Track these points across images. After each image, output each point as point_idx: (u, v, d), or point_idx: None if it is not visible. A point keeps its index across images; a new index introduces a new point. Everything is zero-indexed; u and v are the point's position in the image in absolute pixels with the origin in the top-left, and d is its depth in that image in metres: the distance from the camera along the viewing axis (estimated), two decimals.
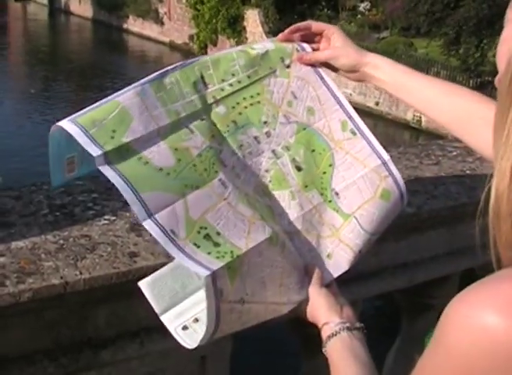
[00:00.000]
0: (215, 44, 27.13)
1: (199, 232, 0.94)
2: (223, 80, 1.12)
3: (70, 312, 1.21)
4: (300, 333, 1.79)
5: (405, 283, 1.82)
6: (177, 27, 30.63)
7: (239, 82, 1.14)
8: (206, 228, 0.95)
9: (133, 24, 33.48)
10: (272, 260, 1.02)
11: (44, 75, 24.87)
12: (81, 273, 1.14)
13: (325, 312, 1.06)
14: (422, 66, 18.78)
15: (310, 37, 1.25)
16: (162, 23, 31.71)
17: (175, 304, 1.10)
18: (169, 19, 31.22)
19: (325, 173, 1.16)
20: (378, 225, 1.17)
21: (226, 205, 0.99)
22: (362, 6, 26.08)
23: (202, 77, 1.10)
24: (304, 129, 1.17)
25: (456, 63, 19.80)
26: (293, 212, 1.12)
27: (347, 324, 1.03)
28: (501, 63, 0.83)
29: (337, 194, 1.16)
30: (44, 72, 25.19)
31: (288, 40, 1.23)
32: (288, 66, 1.20)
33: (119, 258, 1.20)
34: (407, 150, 2.02)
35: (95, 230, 1.30)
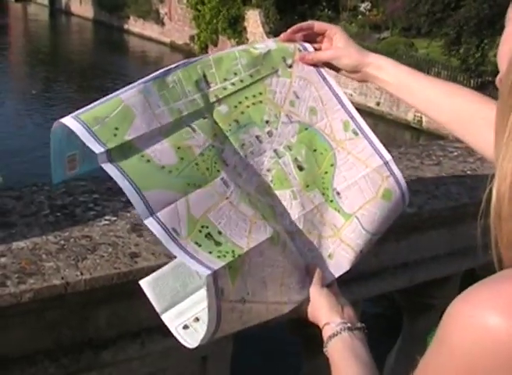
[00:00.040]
0: (215, 45, 27.14)
1: (200, 231, 0.94)
2: (225, 79, 1.12)
3: (71, 312, 1.21)
4: (301, 333, 1.80)
5: (406, 283, 1.82)
6: (178, 28, 30.64)
7: (241, 81, 1.14)
8: (208, 227, 0.95)
9: (134, 25, 33.49)
10: (273, 260, 1.02)
11: (44, 76, 24.88)
12: (82, 274, 1.14)
13: (326, 312, 1.06)
14: (423, 66, 18.77)
15: (312, 37, 1.25)
16: (163, 24, 31.72)
17: (176, 303, 1.10)
18: (170, 20, 31.23)
19: (326, 172, 1.16)
20: (379, 225, 1.17)
21: (228, 204, 0.99)
22: (363, 6, 26.08)
23: (204, 76, 1.10)
24: (306, 129, 1.17)
25: (456, 63, 19.80)
26: (294, 212, 1.12)
27: (348, 324, 1.03)
28: (502, 63, 0.83)
29: (338, 193, 1.16)
30: (45, 72, 25.19)
31: (290, 40, 1.23)
32: (290, 66, 1.20)
33: (120, 259, 1.20)
34: (407, 150, 2.02)
35: (96, 230, 1.30)
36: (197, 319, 1.08)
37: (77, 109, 0.96)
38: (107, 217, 1.35)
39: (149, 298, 1.09)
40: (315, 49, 1.24)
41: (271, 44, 1.22)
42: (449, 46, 19.83)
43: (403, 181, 1.19)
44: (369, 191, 1.16)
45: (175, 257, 1.02)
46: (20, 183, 1.48)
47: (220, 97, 1.10)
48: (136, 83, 1.01)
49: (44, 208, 1.36)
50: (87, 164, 1.03)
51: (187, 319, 1.08)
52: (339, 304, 1.07)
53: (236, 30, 26.59)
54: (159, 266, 1.14)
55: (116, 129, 0.94)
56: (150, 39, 31.96)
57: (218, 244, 0.94)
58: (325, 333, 1.04)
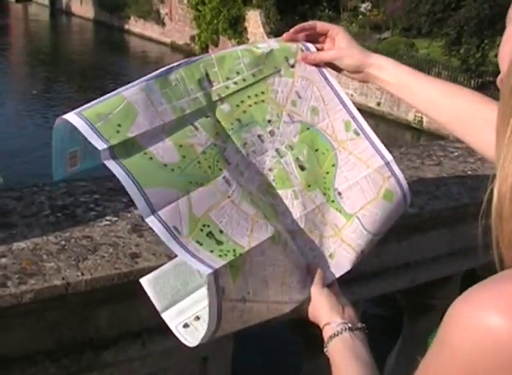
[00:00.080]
0: (216, 45, 27.14)
1: (202, 230, 0.94)
2: (228, 78, 1.12)
3: (72, 312, 1.21)
4: (302, 333, 1.80)
5: (407, 283, 1.82)
6: (178, 28, 30.65)
7: (243, 80, 1.14)
8: (209, 226, 0.95)
9: (135, 25, 33.51)
10: (274, 259, 1.02)
11: (45, 76, 24.89)
12: (83, 274, 1.14)
13: (326, 312, 1.06)
14: (423, 66, 18.77)
15: (314, 37, 1.25)
16: (164, 24, 31.73)
17: (176, 301, 1.10)
18: (171, 20, 31.24)
19: (328, 172, 1.17)
20: (380, 225, 1.17)
21: (230, 203, 0.99)
22: (363, 7, 26.07)
23: (207, 75, 1.10)
24: (308, 128, 1.17)
25: (457, 64, 19.80)
26: (295, 212, 1.12)
27: (349, 324, 1.03)
28: (503, 63, 0.83)
29: (340, 194, 1.16)
30: (46, 73, 25.20)
31: (292, 39, 1.23)
32: (292, 66, 1.20)
33: (121, 259, 1.20)
34: (408, 150, 2.02)
35: (97, 230, 1.30)
36: (197, 318, 1.08)
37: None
38: (108, 217, 1.35)
39: (149, 297, 1.09)
40: (317, 49, 1.24)
41: (273, 43, 1.22)
42: (450, 46, 19.82)
43: (404, 182, 1.19)
44: (370, 192, 1.17)
45: (176, 256, 1.02)
46: (21, 184, 1.48)
47: (222, 96, 1.10)
48: (138, 81, 1.01)
49: (44, 208, 1.36)
50: (88, 161, 1.03)
51: (188, 318, 1.08)
52: (339, 304, 1.07)
53: (237, 30, 26.59)
54: (160, 267, 1.14)
55: (119, 126, 0.93)
56: (150, 39, 31.98)
57: (219, 243, 0.94)
58: (326, 333, 1.04)
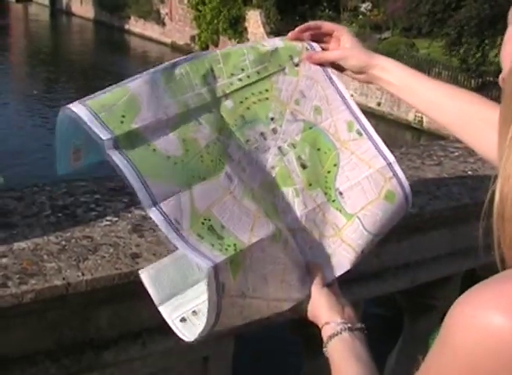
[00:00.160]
0: (216, 45, 27.13)
1: (203, 224, 0.94)
2: (232, 75, 1.12)
3: (72, 313, 1.21)
4: (302, 333, 1.80)
5: (407, 283, 1.82)
6: (179, 28, 30.65)
7: (248, 77, 1.14)
8: (210, 220, 0.95)
9: (135, 25, 33.51)
10: (274, 257, 1.02)
11: (45, 76, 24.89)
12: (83, 274, 1.14)
13: (326, 311, 1.06)
14: (424, 66, 18.77)
15: (319, 37, 1.25)
16: (164, 24, 31.73)
17: (174, 295, 1.10)
18: (171, 20, 31.24)
19: (329, 172, 1.17)
20: (381, 226, 1.17)
21: (232, 198, 0.99)
22: (363, 7, 26.07)
23: (212, 71, 1.10)
24: (311, 128, 1.17)
25: (457, 64, 19.79)
26: (296, 210, 1.12)
27: (349, 324, 1.03)
28: (505, 63, 0.84)
29: (341, 193, 1.16)
30: (46, 73, 25.20)
31: (298, 38, 1.23)
32: (297, 65, 1.20)
33: (121, 260, 1.20)
34: (409, 150, 2.02)
35: (97, 231, 1.30)
36: (195, 313, 1.07)
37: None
38: (108, 218, 1.35)
39: (147, 289, 1.09)
40: (322, 49, 1.24)
41: (278, 42, 1.22)
42: (450, 46, 19.81)
43: (406, 183, 1.19)
44: (372, 192, 1.17)
45: (176, 249, 1.02)
46: (21, 185, 1.48)
47: (227, 92, 1.11)
48: (143, 74, 1.01)
49: (45, 208, 1.36)
50: (92, 156, 1.03)
51: (185, 312, 1.08)
52: (339, 303, 1.07)
53: (237, 30, 26.60)
54: None
55: (123, 117, 0.93)
56: (151, 39, 31.98)
57: (220, 237, 0.94)
58: (325, 333, 1.04)
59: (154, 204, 0.91)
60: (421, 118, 18.84)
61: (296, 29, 1.24)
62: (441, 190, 1.76)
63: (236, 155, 1.06)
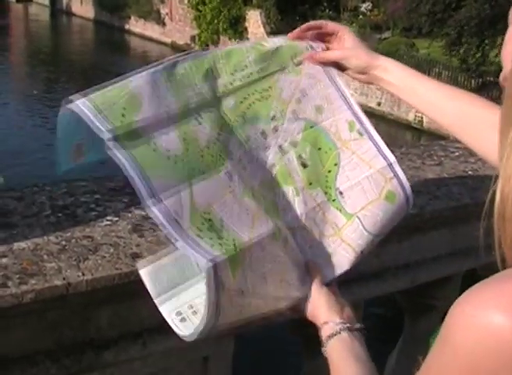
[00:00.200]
0: (216, 45, 27.11)
1: (203, 222, 0.94)
2: (233, 73, 1.12)
3: (72, 313, 1.21)
4: (302, 333, 1.79)
5: (407, 283, 1.82)
6: (179, 28, 30.65)
7: (249, 76, 1.14)
8: (210, 219, 0.95)
9: (135, 25, 33.51)
10: (274, 255, 1.02)
11: (46, 76, 24.89)
12: (83, 274, 1.14)
13: (325, 311, 1.06)
14: (424, 66, 18.77)
15: (321, 37, 1.25)
16: (164, 24, 31.73)
17: (174, 293, 1.09)
18: (171, 20, 31.24)
19: (330, 171, 1.16)
20: (381, 226, 1.17)
21: (232, 196, 0.99)
22: (364, 7, 26.06)
23: (213, 69, 1.10)
24: (312, 127, 1.17)
25: (457, 64, 19.79)
26: (296, 209, 1.12)
27: (348, 324, 1.03)
28: (506, 62, 0.84)
29: (341, 193, 1.16)
30: (46, 73, 25.20)
31: (300, 38, 1.23)
32: (299, 64, 1.20)
33: (122, 259, 1.20)
34: (409, 150, 2.02)
35: (97, 231, 1.30)
36: (195, 312, 1.07)
37: None
38: (108, 218, 1.35)
39: (146, 287, 1.09)
40: (324, 48, 1.24)
41: (280, 41, 1.22)
42: (450, 46, 19.81)
43: (407, 184, 1.19)
44: (372, 192, 1.16)
45: (176, 248, 1.02)
46: (21, 185, 1.48)
47: (227, 91, 1.11)
48: (144, 72, 1.01)
49: (45, 208, 1.36)
50: (93, 153, 1.03)
51: (185, 311, 1.07)
52: (338, 303, 1.07)
53: (237, 30, 26.60)
54: None
55: (123, 115, 0.93)
56: (151, 39, 31.98)
57: (220, 236, 0.94)
58: (324, 333, 1.04)
59: (154, 200, 0.90)
60: (421, 118, 18.84)
61: (299, 28, 1.23)
62: (441, 190, 1.76)
63: (236, 154, 1.06)
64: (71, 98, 0.93)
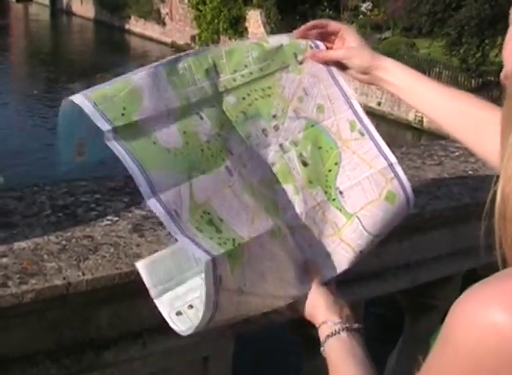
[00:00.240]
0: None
1: (202, 216, 0.94)
2: (235, 71, 1.12)
3: (73, 312, 1.21)
4: (302, 333, 1.79)
5: (407, 283, 1.82)
6: (179, 28, 30.65)
7: (251, 73, 1.14)
8: (209, 213, 0.95)
9: (135, 25, 33.51)
10: (272, 253, 1.02)
11: (46, 76, 24.89)
12: (84, 274, 1.14)
13: (323, 310, 1.06)
14: (424, 66, 18.78)
15: (325, 36, 1.25)
16: (164, 24, 31.73)
17: (171, 288, 1.09)
18: (171, 20, 31.24)
19: (330, 170, 1.16)
20: (381, 227, 1.17)
21: (231, 193, 0.99)
22: (364, 6, 26.07)
23: (215, 66, 1.10)
24: (313, 126, 1.17)
25: (458, 63, 19.80)
26: (296, 207, 1.12)
27: (346, 324, 1.03)
28: (507, 62, 0.84)
29: (341, 193, 1.16)
30: (46, 73, 25.20)
31: (303, 36, 1.23)
32: (301, 63, 1.20)
33: (122, 259, 1.20)
34: (409, 150, 2.02)
35: (98, 230, 1.30)
36: (191, 306, 1.07)
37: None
38: (109, 217, 1.35)
39: (144, 281, 1.09)
40: (327, 48, 1.24)
41: (283, 39, 1.21)
42: (451, 46, 19.82)
43: (408, 185, 1.19)
44: (372, 193, 1.16)
45: (175, 241, 1.01)
46: (21, 185, 1.48)
47: (229, 87, 1.11)
48: (146, 67, 1.01)
49: (45, 208, 1.36)
50: (94, 152, 1.03)
51: (181, 306, 1.07)
52: (336, 303, 1.07)
53: (238, 30, 26.60)
54: None
55: (124, 109, 0.93)
56: (151, 39, 31.97)
57: (218, 231, 0.94)
58: (322, 332, 1.04)
59: (154, 194, 0.90)
60: (422, 118, 18.84)
61: (302, 27, 1.23)
62: (441, 190, 1.76)
63: (236, 150, 1.06)
64: (70, 97, 0.93)
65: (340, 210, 1.16)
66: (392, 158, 1.19)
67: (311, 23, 1.25)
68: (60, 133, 0.97)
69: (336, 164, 1.17)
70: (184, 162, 0.96)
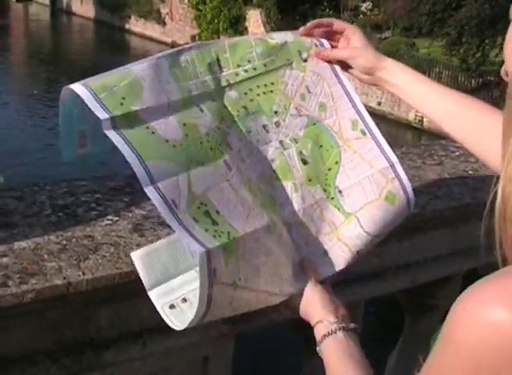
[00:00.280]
0: None
1: (199, 207, 0.93)
2: (239, 66, 1.12)
3: (73, 312, 1.21)
4: (302, 333, 1.79)
5: (408, 283, 1.82)
6: (179, 28, 30.66)
7: (254, 69, 1.14)
8: (206, 205, 0.94)
9: (135, 24, 33.51)
10: (268, 248, 1.01)
11: (46, 76, 24.89)
12: (84, 274, 1.14)
13: (319, 309, 1.05)
14: (424, 66, 18.79)
15: (330, 35, 1.25)
16: (164, 24, 31.73)
17: (165, 280, 1.09)
18: (171, 20, 31.25)
19: (330, 169, 1.16)
20: (380, 227, 1.17)
21: (229, 186, 0.99)
22: (364, 6, 26.07)
23: (218, 60, 1.10)
24: (314, 124, 1.17)
25: (458, 63, 19.79)
26: (294, 204, 1.12)
27: (343, 324, 1.03)
28: (509, 60, 0.84)
29: (340, 192, 1.16)
30: (46, 73, 25.20)
31: (309, 34, 1.23)
32: (305, 60, 1.20)
33: (122, 259, 1.20)
34: (409, 150, 2.02)
35: (98, 230, 1.30)
36: (184, 300, 1.06)
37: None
38: (109, 217, 1.35)
39: (138, 272, 1.08)
40: (332, 46, 1.24)
41: (288, 36, 1.21)
42: (451, 46, 19.81)
43: (408, 185, 1.18)
44: (372, 192, 1.16)
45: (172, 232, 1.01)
46: (21, 185, 1.48)
47: (231, 82, 1.11)
48: (148, 59, 1.01)
49: (45, 208, 1.36)
50: (96, 144, 1.02)
51: (175, 299, 1.07)
52: (332, 302, 1.07)
53: (238, 29, 26.59)
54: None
55: (123, 98, 0.93)
56: (151, 39, 31.96)
57: (215, 223, 0.94)
58: (318, 332, 1.04)
59: (152, 183, 0.90)
60: (422, 117, 18.84)
61: (308, 24, 1.23)
62: (442, 189, 1.76)
63: (236, 145, 1.06)
64: (70, 86, 0.93)
65: (339, 209, 1.16)
66: (394, 158, 1.18)
67: (317, 21, 1.25)
68: (61, 124, 0.97)
69: (336, 163, 1.17)
70: (183, 154, 0.96)
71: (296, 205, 1.12)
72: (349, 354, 0.99)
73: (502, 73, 0.85)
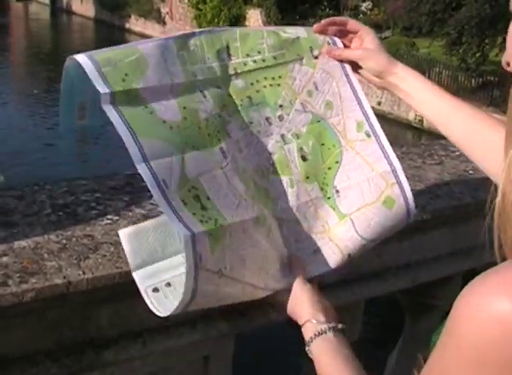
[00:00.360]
0: None
1: (190, 191, 0.93)
2: (248, 55, 1.12)
3: (73, 312, 1.21)
4: (302, 334, 1.79)
5: (408, 283, 1.82)
6: (179, 27, 30.61)
7: (263, 60, 1.13)
8: (197, 189, 0.94)
9: (135, 24, 33.52)
10: (255, 240, 1.01)
11: (46, 75, 24.87)
12: (84, 273, 1.14)
13: (307, 308, 1.05)
14: (424, 65, 18.79)
15: (343, 34, 1.24)
16: (164, 23, 31.72)
17: (151, 262, 1.08)
18: (171, 19, 31.24)
19: (330, 168, 1.16)
20: (375, 232, 1.15)
21: (222, 174, 0.98)
22: (364, 6, 26.09)
23: (228, 47, 1.10)
24: (318, 121, 1.16)
25: (458, 63, 19.79)
26: (288, 200, 1.11)
27: (333, 324, 1.02)
28: (511, 50, 0.84)
29: (338, 192, 1.15)
30: (46, 72, 25.18)
31: (322, 31, 1.22)
32: (316, 57, 1.19)
33: (122, 258, 1.20)
34: (409, 150, 2.02)
35: (98, 229, 1.30)
36: (169, 284, 1.06)
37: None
38: (109, 216, 1.35)
39: (124, 251, 1.08)
40: (344, 46, 1.23)
41: (301, 31, 1.21)
42: (451, 46, 19.81)
43: (409, 192, 1.17)
44: (370, 195, 1.15)
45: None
46: (21, 185, 1.48)
47: (239, 71, 1.10)
48: (157, 39, 1.01)
49: (45, 207, 1.36)
50: (95, 117, 1.02)
51: (159, 282, 1.06)
52: (320, 302, 1.06)
53: None
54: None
55: (126, 75, 0.93)
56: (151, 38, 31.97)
57: (204, 208, 0.93)
58: (307, 331, 1.03)
59: (144, 160, 0.90)
60: (422, 117, 18.82)
61: (322, 21, 1.22)
62: (442, 189, 1.76)
63: (235, 134, 1.05)
64: (74, 56, 0.92)
65: (334, 209, 1.15)
66: (397, 164, 1.17)
67: (331, 19, 1.24)
68: (62, 94, 0.97)
69: (336, 163, 1.16)
70: (179, 136, 0.95)
71: (291, 201, 1.11)
72: (340, 354, 0.99)
73: (503, 63, 0.85)
